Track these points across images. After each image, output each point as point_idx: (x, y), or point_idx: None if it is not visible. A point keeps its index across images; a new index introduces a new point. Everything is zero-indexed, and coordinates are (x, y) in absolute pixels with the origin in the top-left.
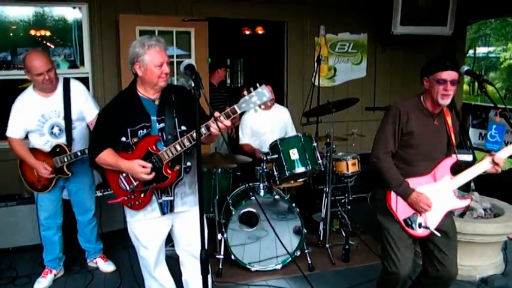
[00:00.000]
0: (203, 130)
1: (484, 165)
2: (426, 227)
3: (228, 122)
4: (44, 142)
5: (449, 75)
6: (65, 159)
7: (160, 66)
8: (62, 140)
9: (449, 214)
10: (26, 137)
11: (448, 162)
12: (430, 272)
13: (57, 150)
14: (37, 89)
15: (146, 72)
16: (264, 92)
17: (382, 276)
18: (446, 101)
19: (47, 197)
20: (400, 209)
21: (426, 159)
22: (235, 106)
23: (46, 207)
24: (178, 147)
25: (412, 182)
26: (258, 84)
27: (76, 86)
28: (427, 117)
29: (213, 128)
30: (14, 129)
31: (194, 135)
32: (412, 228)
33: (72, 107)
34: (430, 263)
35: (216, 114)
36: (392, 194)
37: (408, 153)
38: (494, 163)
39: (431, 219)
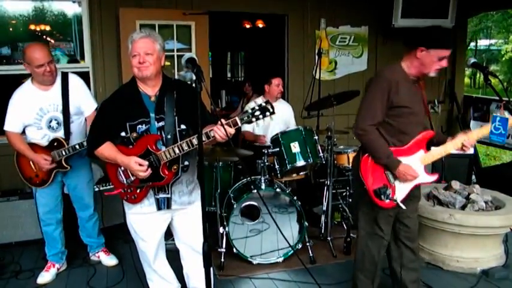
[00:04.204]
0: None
1: (456, 143)
2: (393, 199)
3: (232, 130)
4: (41, 136)
5: (449, 52)
6: (63, 153)
7: (134, 56)
8: (60, 133)
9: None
10: (23, 132)
11: (426, 135)
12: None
13: (55, 144)
14: (36, 82)
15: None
16: (268, 107)
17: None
18: (435, 73)
19: (46, 192)
20: (371, 179)
21: (419, 125)
22: (236, 118)
23: (45, 202)
24: (177, 151)
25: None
26: (262, 98)
27: (74, 80)
28: (413, 84)
29: (218, 136)
30: (12, 123)
31: (193, 141)
32: (381, 199)
33: (71, 100)
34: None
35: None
36: (365, 163)
37: (402, 122)
38: (463, 145)
39: (399, 192)
